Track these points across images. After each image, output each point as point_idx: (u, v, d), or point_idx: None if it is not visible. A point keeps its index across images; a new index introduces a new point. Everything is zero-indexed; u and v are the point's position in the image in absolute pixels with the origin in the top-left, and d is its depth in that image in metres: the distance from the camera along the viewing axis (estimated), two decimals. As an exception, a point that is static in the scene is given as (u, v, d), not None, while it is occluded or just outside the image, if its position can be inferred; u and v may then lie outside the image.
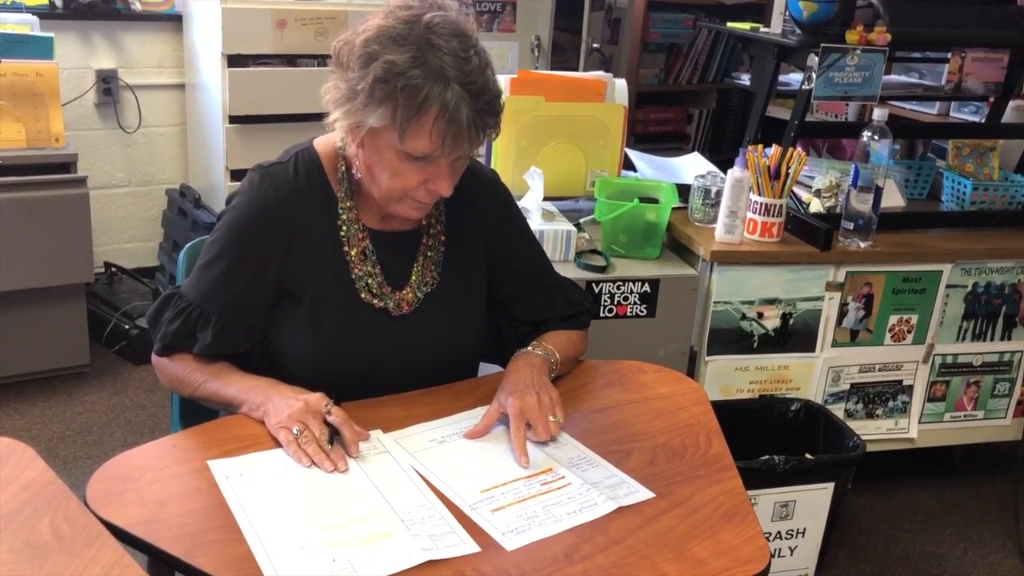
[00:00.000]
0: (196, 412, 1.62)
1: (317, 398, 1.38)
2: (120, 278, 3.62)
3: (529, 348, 1.60)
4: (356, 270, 1.51)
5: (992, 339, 2.66)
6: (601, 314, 2.23)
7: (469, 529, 1.21)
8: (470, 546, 1.17)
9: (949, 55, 2.54)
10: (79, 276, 3.08)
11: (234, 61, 3.34)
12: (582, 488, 1.31)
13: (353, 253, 1.51)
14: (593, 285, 2.21)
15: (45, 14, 3.38)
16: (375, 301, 1.51)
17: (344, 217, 1.51)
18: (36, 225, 2.93)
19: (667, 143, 4.57)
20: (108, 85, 3.63)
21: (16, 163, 2.90)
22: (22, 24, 3.09)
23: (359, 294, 1.50)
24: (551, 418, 1.44)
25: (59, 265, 3.01)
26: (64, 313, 3.11)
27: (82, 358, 3.20)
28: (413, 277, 1.55)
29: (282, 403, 1.38)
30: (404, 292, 1.53)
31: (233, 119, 3.38)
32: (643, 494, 1.31)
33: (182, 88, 3.80)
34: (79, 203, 2.99)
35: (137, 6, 3.64)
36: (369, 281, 1.51)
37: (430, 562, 1.14)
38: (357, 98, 1.36)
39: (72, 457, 2.78)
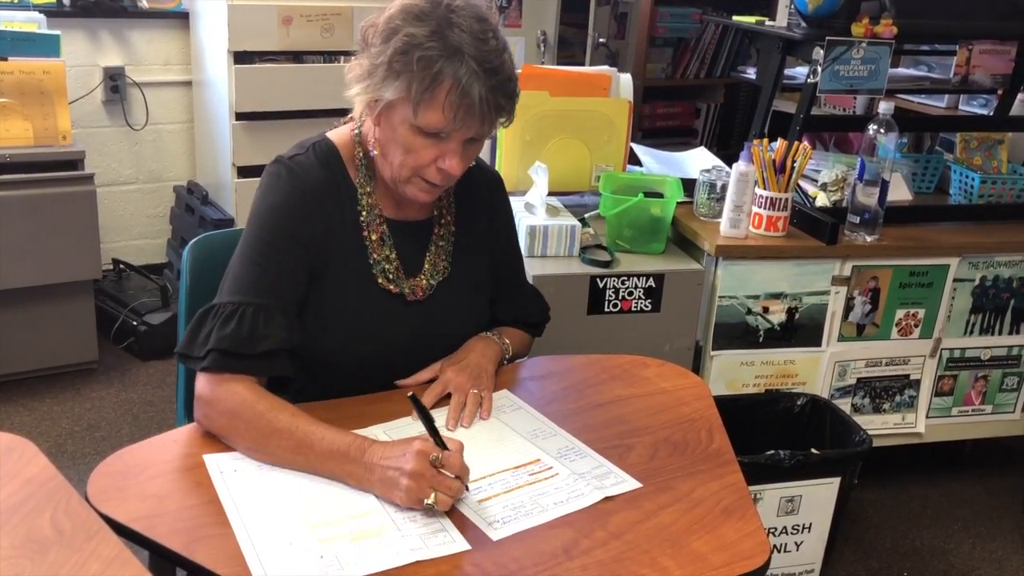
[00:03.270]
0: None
1: (417, 461, 1.22)
2: (128, 275, 3.63)
3: (492, 335, 1.64)
4: (374, 255, 1.52)
5: (1000, 333, 2.65)
6: (606, 309, 2.23)
7: (458, 522, 1.21)
8: (460, 544, 1.17)
9: (957, 48, 2.53)
10: (87, 273, 3.10)
11: (240, 58, 3.34)
12: (569, 478, 1.32)
13: (372, 238, 1.52)
14: (598, 280, 2.20)
15: (52, 12, 3.40)
16: (391, 287, 1.53)
17: (363, 203, 1.52)
18: (44, 222, 2.94)
19: (675, 138, 4.56)
20: (115, 82, 3.65)
21: (24, 160, 2.91)
22: (29, 22, 3.10)
23: (376, 279, 1.52)
24: (474, 391, 1.49)
25: (67, 262, 3.03)
26: (72, 310, 3.13)
27: (90, 354, 3.22)
28: (427, 265, 1.57)
29: (387, 476, 1.23)
30: (418, 279, 1.56)
31: (240, 116, 3.40)
32: (630, 484, 1.32)
33: (189, 85, 3.81)
34: (86, 200, 3.01)
35: (144, 4, 3.65)
36: (386, 267, 1.52)
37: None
38: (376, 72, 1.38)
39: (80, 453, 2.79)
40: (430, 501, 1.19)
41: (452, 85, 1.34)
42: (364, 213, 1.52)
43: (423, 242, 1.58)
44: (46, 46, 3.01)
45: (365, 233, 1.52)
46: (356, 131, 1.53)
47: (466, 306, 1.62)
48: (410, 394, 1.30)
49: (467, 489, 1.24)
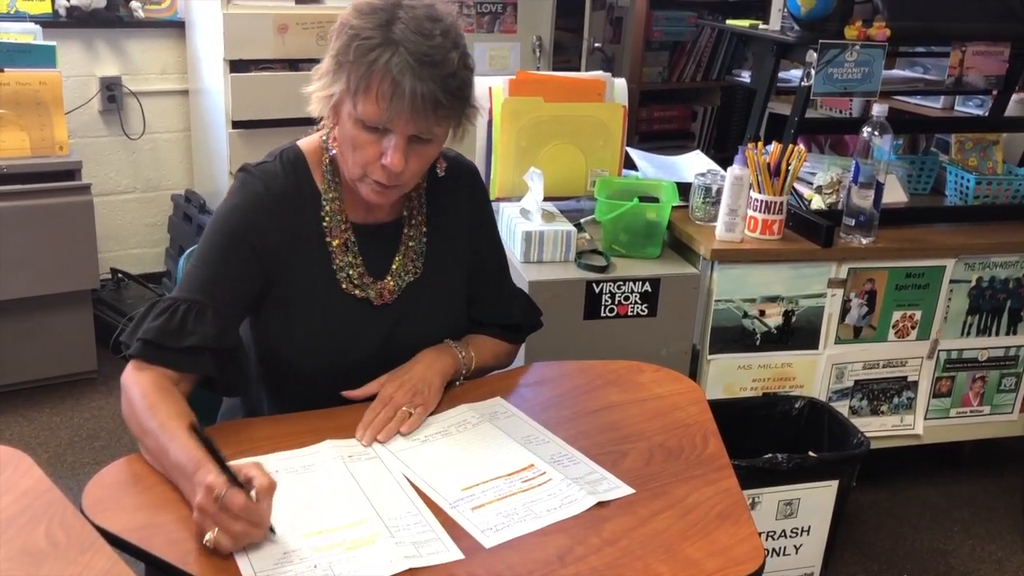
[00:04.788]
0: (198, 417, 1.61)
1: (203, 495, 1.13)
2: (127, 284, 3.64)
3: (453, 345, 1.60)
4: (337, 260, 1.52)
5: (997, 334, 2.65)
6: (602, 314, 2.23)
7: (452, 530, 1.21)
8: (454, 553, 1.17)
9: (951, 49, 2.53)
10: (85, 283, 3.10)
11: (236, 66, 3.35)
12: (563, 484, 1.32)
13: (335, 244, 1.52)
14: (594, 285, 2.20)
15: (48, 23, 3.41)
16: (356, 291, 1.52)
17: (327, 208, 1.52)
18: (41, 232, 2.95)
19: (672, 141, 4.56)
20: (112, 92, 3.66)
21: (21, 171, 2.92)
22: (25, 33, 3.11)
23: (340, 284, 1.52)
24: (404, 408, 1.44)
25: (65, 272, 3.03)
26: (71, 320, 3.13)
27: (89, 364, 3.22)
28: (395, 267, 1.56)
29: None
30: (386, 281, 1.55)
31: (236, 124, 3.40)
32: (623, 490, 1.32)
33: (185, 94, 3.81)
34: (84, 210, 3.02)
35: (140, 13, 3.66)
36: (350, 272, 1.52)
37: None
38: (329, 68, 1.40)
39: (80, 463, 2.79)
40: (208, 538, 1.12)
41: (384, 74, 1.33)
42: (327, 219, 1.52)
43: (392, 244, 1.57)
44: (42, 57, 3.02)
45: (328, 239, 1.52)
46: (324, 137, 1.53)
47: (438, 308, 1.60)
48: (191, 424, 1.22)
49: (272, 532, 1.15)
